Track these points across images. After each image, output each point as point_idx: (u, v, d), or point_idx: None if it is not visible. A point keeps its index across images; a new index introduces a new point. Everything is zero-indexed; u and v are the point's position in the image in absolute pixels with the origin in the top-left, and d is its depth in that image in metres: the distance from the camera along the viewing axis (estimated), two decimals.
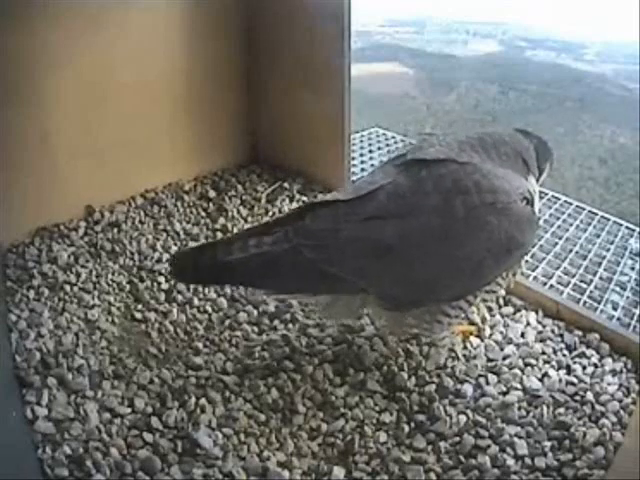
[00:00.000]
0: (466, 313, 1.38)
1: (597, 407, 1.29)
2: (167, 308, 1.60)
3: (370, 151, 2.90)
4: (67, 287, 1.65)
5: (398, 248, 1.21)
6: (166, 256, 1.79)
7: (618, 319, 1.78)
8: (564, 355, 1.45)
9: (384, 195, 1.24)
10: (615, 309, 1.84)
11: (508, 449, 1.20)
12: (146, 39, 1.91)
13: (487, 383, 1.37)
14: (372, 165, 2.69)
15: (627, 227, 2.31)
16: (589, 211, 2.41)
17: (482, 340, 1.50)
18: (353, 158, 2.68)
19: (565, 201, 2.47)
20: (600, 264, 2.05)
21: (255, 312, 1.58)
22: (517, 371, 1.39)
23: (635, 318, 1.79)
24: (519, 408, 1.29)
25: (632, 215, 2.70)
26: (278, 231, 1.28)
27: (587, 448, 1.20)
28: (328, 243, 1.23)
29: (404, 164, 1.29)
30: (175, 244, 1.85)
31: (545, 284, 1.89)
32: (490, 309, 1.60)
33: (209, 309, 1.60)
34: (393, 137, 3.10)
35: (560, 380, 1.36)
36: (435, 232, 1.20)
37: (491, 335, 1.51)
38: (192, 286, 1.67)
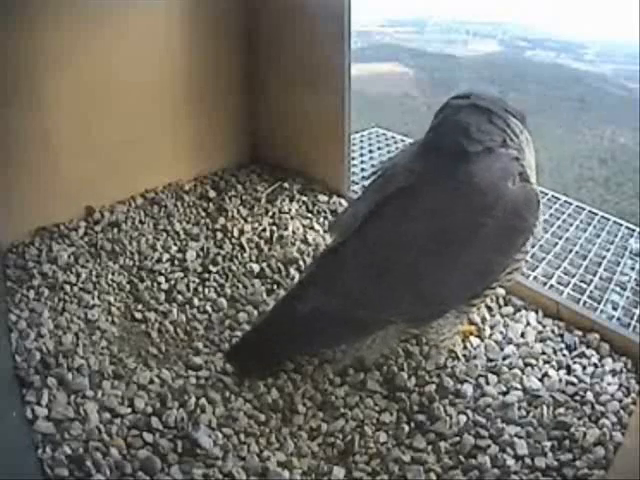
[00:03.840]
0: (487, 298, 1.40)
1: (597, 407, 1.29)
2: (167, 308, 1.60)
3: (370, 151, 2.89)
4: (67, 287, 1.65)
5: (404, 274, 1.23)
6: (166, 256, 1.79)
7: (618, 319, 1.78)
8: (564, 355, 1.45)
9: (372, 230, 1.27)
10: (615, 309, 1.84)
11: (508, 449, 1.20)
12: (146, 39, 1.91)
13: (487, 383, 1.37)
14: (372, 165, 2.69)
15: (627, 227, 2.31)
16: (589, 211, 2.41)
17: (482, 340, 1.50)
18: (353, 158, 2.67)
19: (565, 201, 2.47)
20: (600, 264, 2.04)
21: (255, 312, 1.58)
22: (517, 371, 1.39)
23: (635, 318, 1.78)
24: (519, 408, 1.29)
25: (632, 215, 2.70)
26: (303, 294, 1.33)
27: (587, 448, 1.20)
28: (340, 293, 1.27)
29: (381, 195, 1.29)
30: (175, 244, 1.85)
31: (545, 284, 1.88)
32: (490, 309, 1.60)
33: (209, 309, 1.59)
34: (393, 137, 3.09)
35: (560, 380, 1.36)
36: (431, 250, 1.21)
37: (491, 335, 1.51)
38: (192, 287, 1.67)
